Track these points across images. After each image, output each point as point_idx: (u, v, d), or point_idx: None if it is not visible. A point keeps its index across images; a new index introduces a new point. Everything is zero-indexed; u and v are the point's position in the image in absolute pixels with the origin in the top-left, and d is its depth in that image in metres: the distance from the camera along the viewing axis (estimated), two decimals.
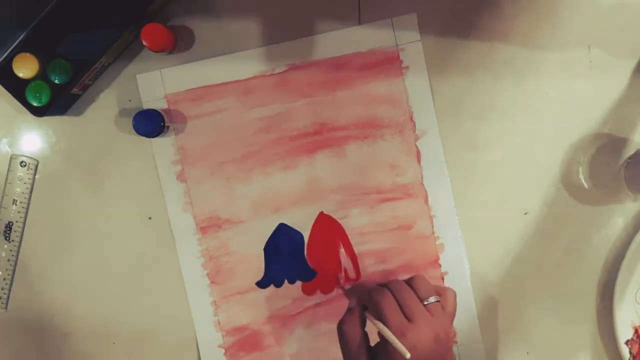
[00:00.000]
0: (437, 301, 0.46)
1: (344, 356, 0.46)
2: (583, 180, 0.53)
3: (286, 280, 0.54)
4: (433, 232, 0.53)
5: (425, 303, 0.45)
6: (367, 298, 0.46)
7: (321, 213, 0.53)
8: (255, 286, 0.54)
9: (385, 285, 0.47)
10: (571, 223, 0.53)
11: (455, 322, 0.49)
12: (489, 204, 0.53)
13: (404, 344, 0.42)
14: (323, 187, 0.53)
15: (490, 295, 0.54)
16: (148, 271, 0.53)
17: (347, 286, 0.53)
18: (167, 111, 0.52)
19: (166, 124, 0.51)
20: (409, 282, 0.47)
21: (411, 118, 0.53)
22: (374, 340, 0.47)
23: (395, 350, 0.42)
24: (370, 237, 0.53)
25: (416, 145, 0.53)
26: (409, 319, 0.44)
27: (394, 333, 0.43)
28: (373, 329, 0.45)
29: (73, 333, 0.54)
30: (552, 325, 0.54)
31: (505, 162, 0.53)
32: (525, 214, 0.53)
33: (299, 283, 0.54)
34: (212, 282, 0.54)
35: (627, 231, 0.53)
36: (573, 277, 0.54)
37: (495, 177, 0.53)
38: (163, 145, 0.53)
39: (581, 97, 0.53)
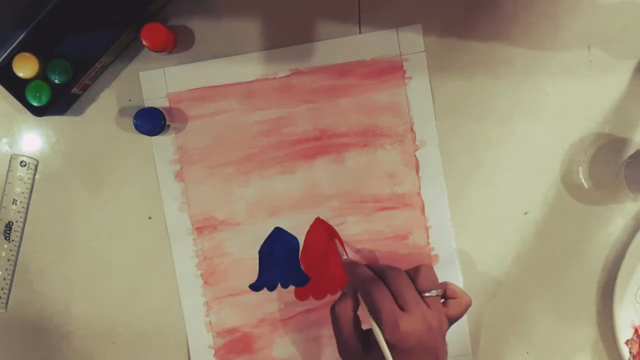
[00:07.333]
0: (438, 295, 0.45)
1: (336, 339, 0.45)
2: (583, 180, 0.53)
3: (279, 284, 0.54)
4: (428, 243, 0.53)
5: (426, 295, 0.44)
6: (361, 287, 0.45)
7: (317, 219, 0.53)
8: (248, 289, 0.54)
9: (383, 272, 0.46)
10: (571, 223, 0.53)
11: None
12: (488, 204, 0.53)
13: (397, 333, 0.41)
14: (321, 193, 0.53)
15: (490, 295, 0.54)
16: (148, 271, 0.53)
17: (346, 258, 0.51)
18: (169, 110, 0.52)
19: (167, 123, 0.51)
20: (411, 272, 0.46)
21: (412, 128, 0.53)
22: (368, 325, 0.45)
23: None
24: (366, 245, 0.53)
25: (415, 156, 0.53)
26: (402, 309, 0.43)
27: (385, 321, 0.42)
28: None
29: (73, 333, 0.54)
30: (552, 325, 0.54)
31: (505, 162, 0.53)
32: (525, 214, 0.53)
33: (292, 287, 0.54)
34: (205, 283, 0.53)
35: (627, 231, 0.53)
36: (573, 277, 0.54)
37: (495, 177, 0.53)
38: (163, 143, 0.53)
39: (581, 97, 0.53)
